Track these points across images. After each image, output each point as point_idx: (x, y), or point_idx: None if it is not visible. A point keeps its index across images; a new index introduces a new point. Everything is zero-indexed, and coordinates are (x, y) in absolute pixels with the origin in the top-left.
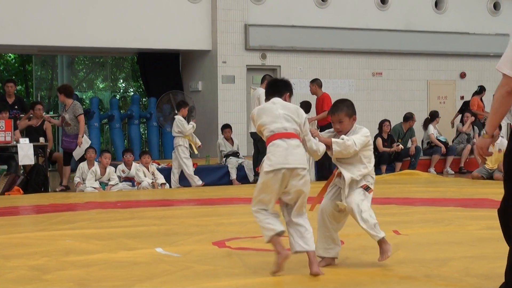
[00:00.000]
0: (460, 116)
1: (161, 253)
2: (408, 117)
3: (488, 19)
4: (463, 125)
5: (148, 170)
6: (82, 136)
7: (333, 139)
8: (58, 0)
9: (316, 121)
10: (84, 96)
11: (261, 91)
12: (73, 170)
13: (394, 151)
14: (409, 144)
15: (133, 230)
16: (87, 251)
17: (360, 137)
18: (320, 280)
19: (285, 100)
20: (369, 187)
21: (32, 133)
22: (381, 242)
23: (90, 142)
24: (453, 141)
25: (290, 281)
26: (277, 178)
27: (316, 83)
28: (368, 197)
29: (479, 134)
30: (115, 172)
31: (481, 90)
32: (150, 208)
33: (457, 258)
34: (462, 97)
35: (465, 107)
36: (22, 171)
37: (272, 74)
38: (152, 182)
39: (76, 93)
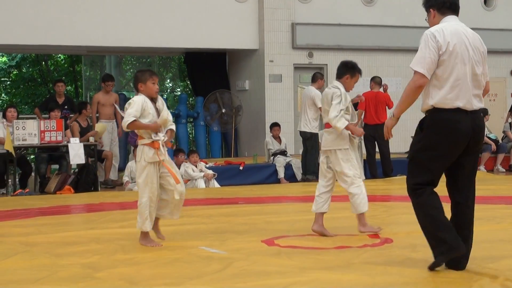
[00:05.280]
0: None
1: (209, 251)
2: None
3: None
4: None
5: (196, 168)
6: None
7: None
8: (107, 1)
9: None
10: (131, 96)
11: (315, 93)
12: (121, 170)
13: None
14: None
15: (181, 228)
16: (136, 250)
17: None
18: (370, 275)
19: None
20: None
21: (81, 133)
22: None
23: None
24: (502, 139)
25: (343, 279)
26: None
27: (373, 81)
28: None
29: None
30: None
31: None
32: (198, 206)
33: (509, 256)
34: None
35: None
36: (73, 170)
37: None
38: (204, 175)
39: (124, 92)
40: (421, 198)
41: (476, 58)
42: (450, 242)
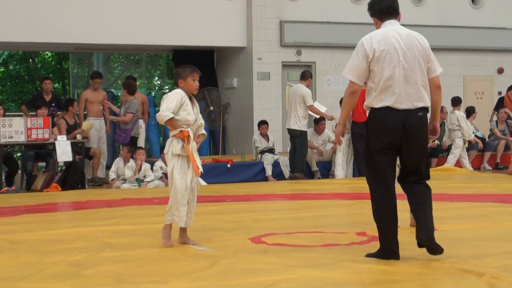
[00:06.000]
0: (496, 113)
1: (196, 249)
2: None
3: None
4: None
5: None
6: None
7: None
8: None
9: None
10: (119, 94)
11: (305, 91)
12: (109, 167)
13: (430, 147)
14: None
15: None
16: (124, 247)
17: None
18: (356, 273)
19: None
20: None
21: (68, 131)
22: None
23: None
24: (489, 137)
25: (329, 277)
26: None
27: None
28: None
29: None
30: (153, 168)
31: None
32: None
33: (495, 253)
34: (499, 93)
35: (500, 104)
36: (60, 167)
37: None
38: None
39: (112, 90)
40: (375, 205)
41: (409, 59)
42: (384, 252)
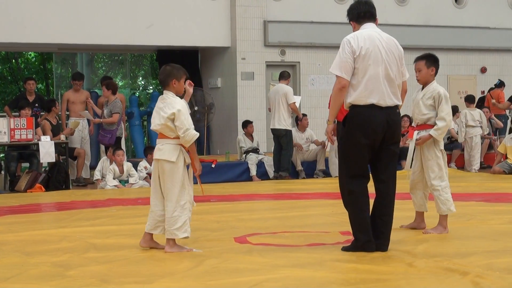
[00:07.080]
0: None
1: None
2: None
3: (509, 13)
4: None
5: None
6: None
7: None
8: None
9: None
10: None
11: (287, 89)
12: (93, 168)
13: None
14: None
15: None
16: (108, 248)
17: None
18: (342, 272)
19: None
20: None
21: (52, 131)
22: None
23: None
24: None
25: (315, 276)
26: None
27: None
28: None
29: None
30: (137, 168)
31: (500, 84)
32: None
33: (479, 252)
34: (482, 92)
35: (481, 104)
36: (44, 168)
37: (291, 70)
38: None
39: (96, 90)
40: (351, 197)
41: (390, 60)
42: (363, 242)
